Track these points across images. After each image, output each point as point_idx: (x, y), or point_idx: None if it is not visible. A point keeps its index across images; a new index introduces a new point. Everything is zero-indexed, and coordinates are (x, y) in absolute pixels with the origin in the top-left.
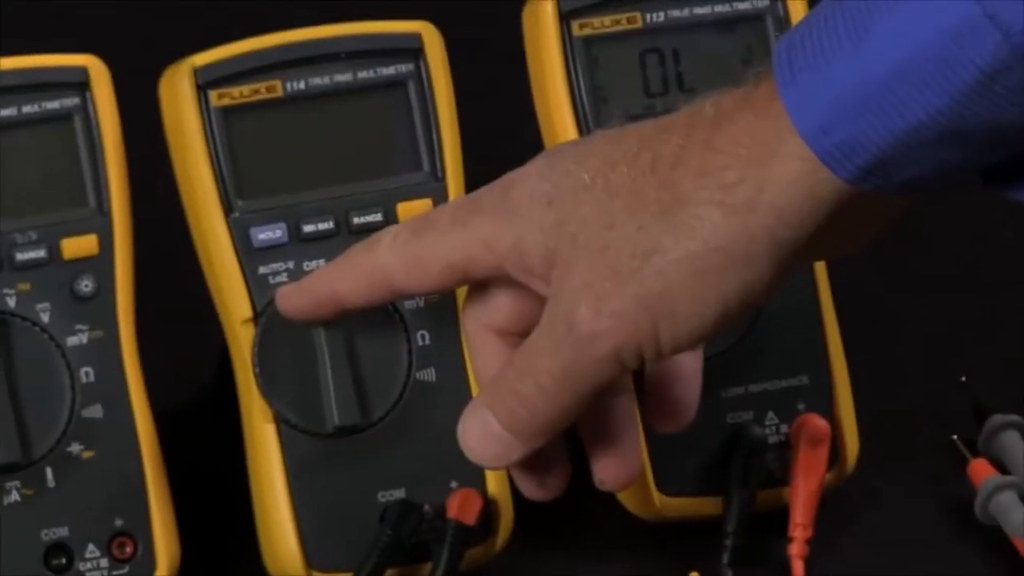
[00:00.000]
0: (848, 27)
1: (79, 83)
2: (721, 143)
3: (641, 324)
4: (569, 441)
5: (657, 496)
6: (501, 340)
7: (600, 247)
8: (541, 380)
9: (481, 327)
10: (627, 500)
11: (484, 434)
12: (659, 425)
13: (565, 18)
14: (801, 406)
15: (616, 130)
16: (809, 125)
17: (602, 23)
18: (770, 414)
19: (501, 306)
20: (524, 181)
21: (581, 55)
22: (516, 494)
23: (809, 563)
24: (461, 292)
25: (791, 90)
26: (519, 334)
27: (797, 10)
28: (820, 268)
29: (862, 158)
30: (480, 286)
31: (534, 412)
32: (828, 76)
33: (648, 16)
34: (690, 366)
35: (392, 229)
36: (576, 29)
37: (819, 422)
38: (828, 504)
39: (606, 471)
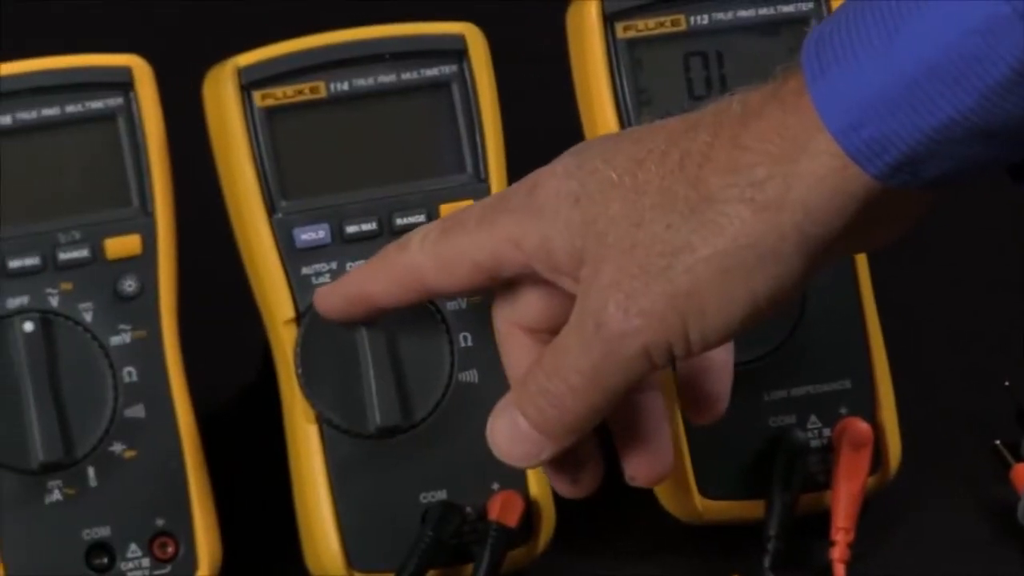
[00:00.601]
0: (878, 25)
1: (123, 83)
2: (749, 140)
3: (670, 322)
4: (604, 439)
5: (699, 499)
6: (531, 338)
7: (628, 245)
8: (570, 379)
9: (511, 325)
10: (669, 503)
11: (513, 433)
12: (692, 418)
13: (609, 20)
14: (843, 410)
15: (643, 127)
16: (838, 122)
17: (646, 25)
18: (812, 418)
19: (530, 304)
20: (550, 179)
21: (625, 57)
22: (558, 496)
23: (851, 567)
24: None
25: (820, 86)
26: (549, 332)
27: None
28: (863, 272)
29: (892, 155)
30: (509, 285)
31: (563, 411)
32: (858, 73)
33: (692, 18)
34: (721, 359)
35: (422, 229)
36: (620, 31)
37: (861, 426)
38: (870, 508)
39: (637, 468)
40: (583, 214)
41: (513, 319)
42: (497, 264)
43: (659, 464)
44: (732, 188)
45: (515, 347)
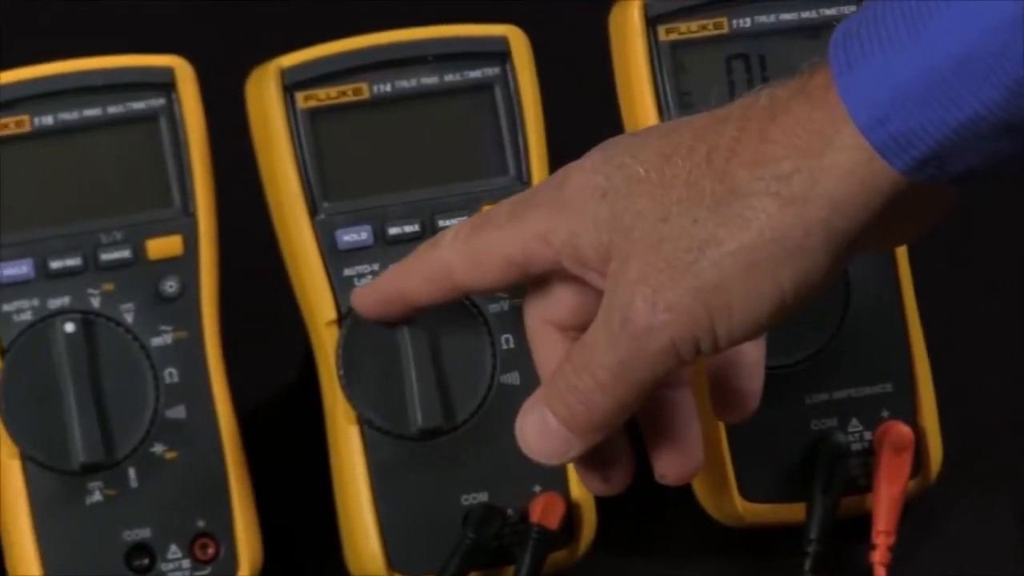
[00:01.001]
0: (905, 20)
1: (165, 84)
2: (776, 134)
3: (697, 317)
4: (637, 439)
5: (740, 502)
6: (561, 335)
7: (655, 240)
8: (598, 375)
9: (542, 323)
10: (709, 506)
11: (542, 430)
12: (722, 415)
13: (652, 23)
14: (885, 413)
15: (671, 122)
16: (865, 116)
17: (689, 28)
18: (854, 421)
19: (560, 301)
20: (578, 174)
21: (667, 60)
22: (599, 498)
23: (892, 570)
24: None
25: (847, 81)
26: (578, 329)
27: None
28: (904, 275)
29: (918, 150)
30: (540, 282)
31: (591, 407)
32: (884, 68)
33: (735, 22)
34: (752, 355)
35: (455, 227)
36: (663, 34)
37: (903, 429)
38: (911, 511)
39: (667, 466)
40: (610, 209)
41: (544, 316)
42: (526, 260)
43: (689, 462)
44: (758, 182)
45: (546, 344)
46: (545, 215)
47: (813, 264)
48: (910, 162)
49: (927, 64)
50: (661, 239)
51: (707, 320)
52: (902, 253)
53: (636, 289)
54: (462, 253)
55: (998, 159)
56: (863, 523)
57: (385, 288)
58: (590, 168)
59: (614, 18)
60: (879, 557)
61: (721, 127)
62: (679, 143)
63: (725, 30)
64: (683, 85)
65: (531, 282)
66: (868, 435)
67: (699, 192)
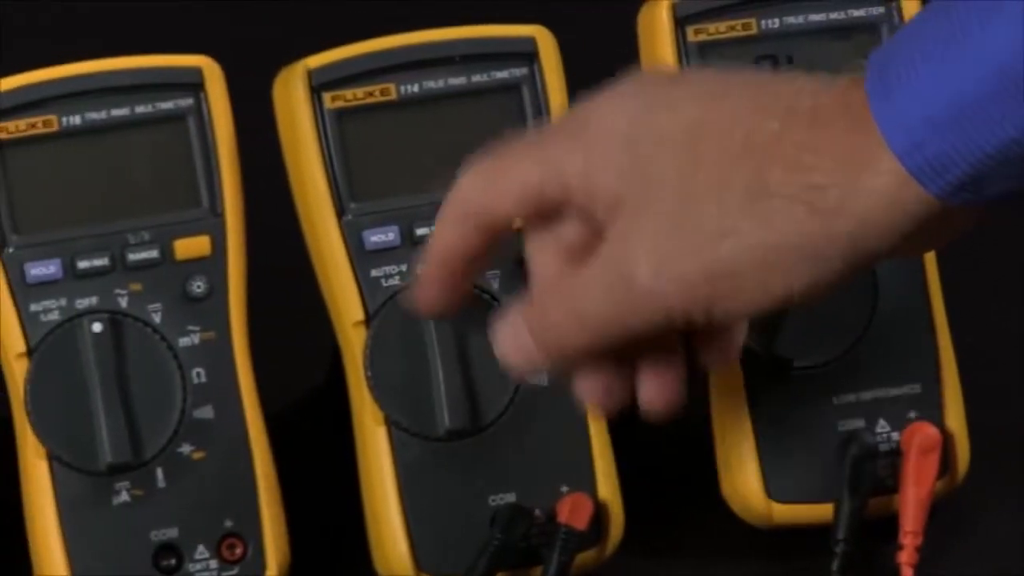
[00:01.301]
0: (939, 47)
1: (193, 84)
2: (815, 144)
3: (699, 297)
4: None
5: (768, 503)
6: (561, 256)
7: (675, 211)
8: (585, 320)
9: (544, 244)
10: (737, 506)
11: (516, 343)
12: (707, 362)
13: (680, 23)
14: (912, 414)
15: (706, 81)
16: (901, 141)
17: (717, 29)
18: (881, 422)
19: (565, 231)
20: (608, 115)
21: (696, 60)
22: (627, 499)
23: (919, 571)
24: None
25: (883, 106)
26: (577, 257)
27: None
28: (932, 276)
29: (954, 175)
30: (549, 211)
31: (566, 344)
32: (920, 94)
33: (763, 22)
34: None
35: (472, 162)
36: (691, 34)
37: (930, 430)
38: (938, 512)
39: (707, 355)
40: (631, 160)
41: (548, 239)
42: (541, 188)
43: (729, 353)
44: (792, 186)
45: (543, 258)
46: (565, 148)
47: (829, 271)
48: (946, 187)
49: (961, 88)
50: (681, 213)
51: (708, 301)
52: (930, 254)
53: (645, 252)
54: (482, 178)
55: None
56: (890, 524)
57: (433, 258)
58: (618, 109)
59: (643, 18)
60: (906, 558)
61: (761, 118)
62: (715, 120)
63: (753, 31)
64: None
65: (541, 212)
66: (896, 436)
67: (729, 179)
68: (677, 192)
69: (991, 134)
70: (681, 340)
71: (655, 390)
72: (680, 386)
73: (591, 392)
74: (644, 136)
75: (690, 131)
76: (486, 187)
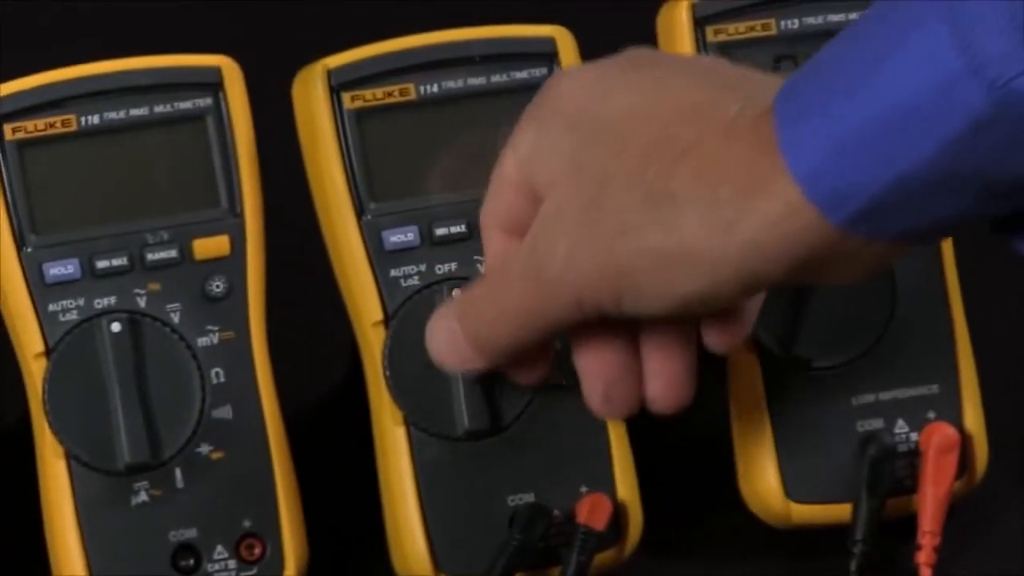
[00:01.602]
0: (842, 75)
1: (212, 83)
2: (725, 156)
3: (603, 288)
4: (691, 452)
5: (786, 503)
6: (506, 237)
7: (591, 199)
8: (506, 311)
9: (491, 223)
10: (756, 506)
11: (449, 339)
12: (710, 344)
13: (700, 23)
14: (931, 414)
15: (665, 71)
16: (802, 167)
17: (736, 29)
18: (900, 422)
19: (509, 204)
20: (562, 95)
21: None
22: (646, 499)
23: (937, 571)
24: None
25: (788, 131)
26: (519, 235)
27: None
28: (951, 277)
29: (853, 204)
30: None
31: (494, 336)
32: (822, 122)
33: (783, 23)
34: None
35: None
36: (711, 35)
37: (949, 431)
38: (956, 512)
39: (712, 336)
40: (571, 144)
41: (492, 216)
42: (502, 165)
43: (738, 334)
44: (694, 196)
45: (491, 245)
46: (522, 126)
47: (721, 288)
48: (846, 216)
49: (862, 118)
50: (597, 202)
51: (612, 294)
52: (948, 254)
53: (560, 240)
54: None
55: (938, 219)
56: (909, 524)
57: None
58: (571, 90)
59: (662, 19)
60: (924, 558)
61: (689, 120)
62: (647, 115)
63: (773, 31)
64: None
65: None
66: (914, 436)
67: (642, 175)
68: (597, 181)
69: (888, 165)
70: (689, 333)
71: (661, 386)
72: (688, 381)
73: (594, 392)
74: (585, 121)
75: (623, 121)
76: (490, 195)
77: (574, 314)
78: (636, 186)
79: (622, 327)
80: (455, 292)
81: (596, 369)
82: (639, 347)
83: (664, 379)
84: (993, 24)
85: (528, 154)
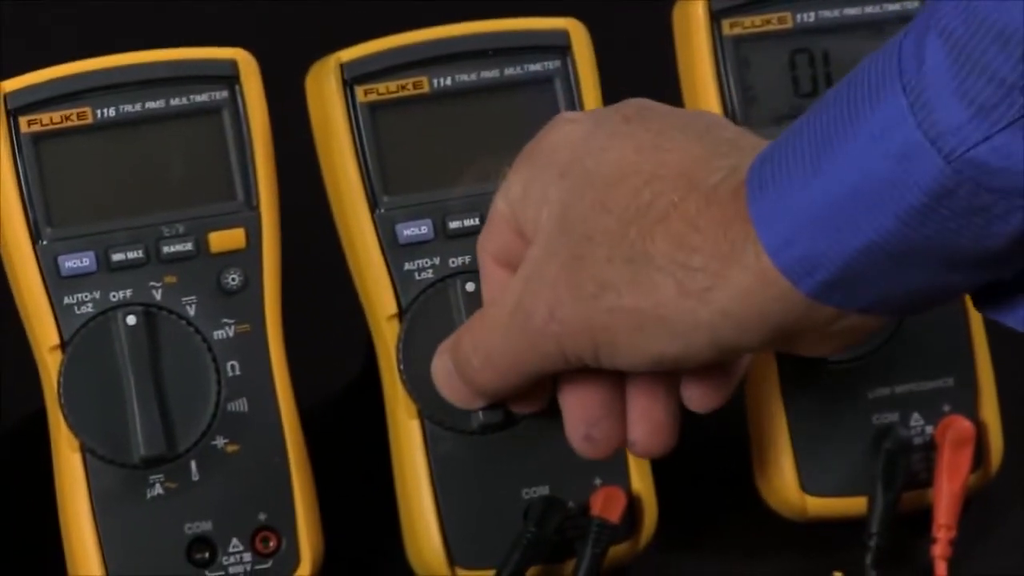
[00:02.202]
0: (809, 146)
1: (228, 76)
2: (703, 223)
3: (583, 342)
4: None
5: (802, 496)
6: (501, 268)
7: (575, 254)
8: (493, 359)
9: (486, 254)
10: (772, 500)
11: (447, 378)
12: (689, 397)
13: (716, 17)
14: (946, 408)
15: (660, 127)
16: (772, 239)
17: (752, 23)
18: (915, 415)
19: (500, 236)
20: (556, 144)
21: (731, 54)
22: (660, 492)
23: (952, 564)
24: None
25: (758, 203)
26: (511, 267)
27: None
28: None
29: (821, 275)
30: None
31: (484, 380)
32: (789, 194)
33: (799, 16)
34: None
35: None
36: (727, 28)
37: (964, 424)
38: (972, 505)
39: (692, 396)
40: (559, 195)
41: (486, 248)
42: (500, 202)
43: (718, 396)
44: (671, 262)
45: (487, 277)
46: (515, 169)
47: (696, 352)
48: (815, 286)
49: (825, 190)
50: (580, 257)
51: (591, 348)
52: None
53: (544, 291)
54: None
55: (907, 291)
56: (924, 517)
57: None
58: (566, 140)
59: (678, 12)
60: (940, 551)
61: (674, 184)
62: (636, 173)
63: (789, 25)
64: (747, 80)
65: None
66: (929, 429)
67: (624, 234)
68: (581, 237)
69: (852, 236)
70: (674, 381)
71: (644, 432)
72: (671, 428)
73: (575, 432)
74: (576, 171)
75: (612, 177)
76: (486, 229)
77: (558, 363)
78: (617, 245)
79: (607, 371)
80: (468, 285)
81: (578, 409)
82: (624, 390)
83: (647, 425)
84: (947, 97)
85: (519, 197)
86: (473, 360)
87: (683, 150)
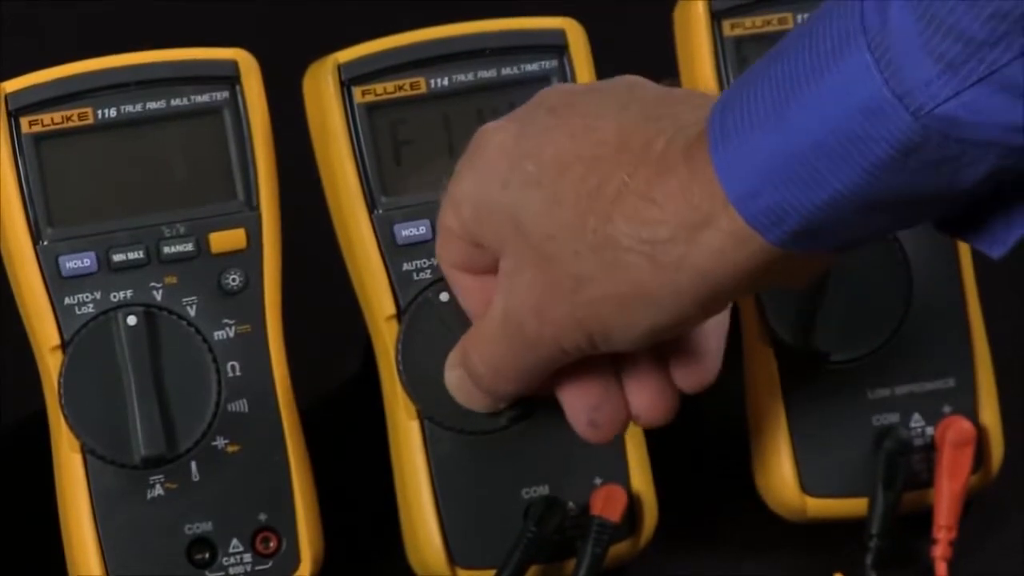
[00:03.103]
0: (772, 96)
1: (229, 77)
2: (659, 195)
3: (577, 336)
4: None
5: (802, 497)
6: (468, 276)
7: (544, 256)
8: (496, 364)
9: (448, 266)
10: (772, 500)
11: (462, 386)
12: (680, 381)
13: (716, 17)
14: (947, 408)
15: (592, 107)
16: (737, 190)
17: (753, 23)
18: (916, 416)
19: (460, 250)
20: (492, 151)
21: (732, 55)
22: (660, 491)
23: (953, 565)
24: None
25: (721, 154)
26: (479, 273)
27: None
28: (967, 271)
29: (789, 225)
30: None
31: (494, 385)
32: (753, 143)
33: (799, 16)
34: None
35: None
36: (727, 29)
37: (964, 424)
38: (972, 506)
39: (682, 377)
40: (510, 200)
41: (449, 260)
42: (449, 219)
43: (704, 373)
44: (637, 241)
45: (458, 283)
46: (460, 183)
47: (683, 314)
48: (782, 236)
49: (789, 141)
50: (548, 258)
51: (586, 336)
52: (964, 249)
53: (527, 299)
54: (439, 237)
55: (875, 230)
56: (924, 518)
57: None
58: (501, 144)
59: (679, 13)
60: (940, 552)
61: (617, 160)
62: (577, 159)
63: (790, 25)
64: None
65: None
66: (930, 430)
67: (582, 225)
68: (543, 238)
69: (819, 188)
70: (661, 351)
71: (645, 401)
72: (672, 393)
73: (579, 420)
74: (516, 176)
75: (553, 171)
76: (441, 244)
77: (562, 357)
78: (580, 238)
79: (598, 355)
80: (443, 295)
81: (577, 398)
82: (618, 368)
83: (648, 395)
84: (913, 54)
85: (470, 216)
86: (481, 370)
87: (616, 124)
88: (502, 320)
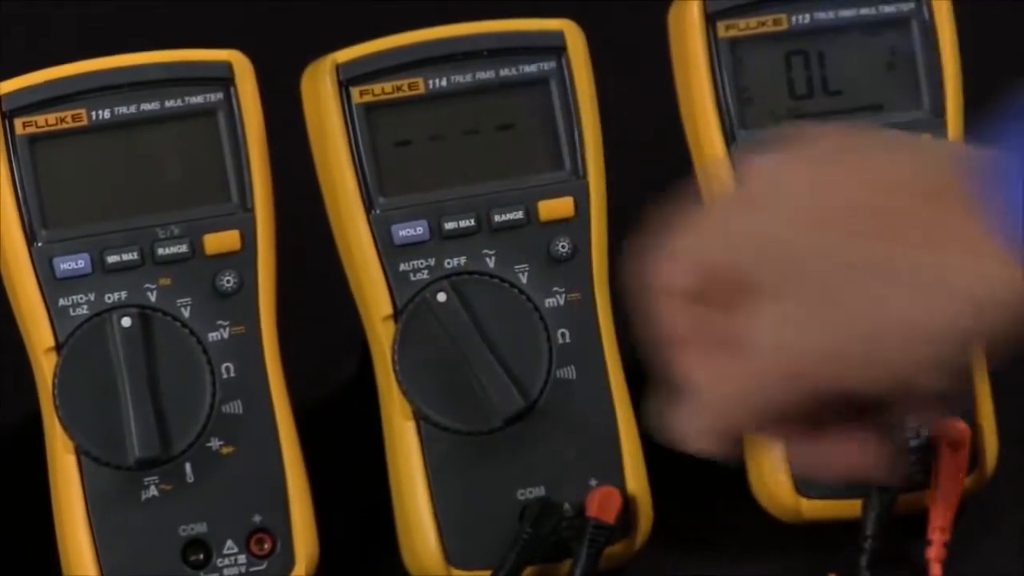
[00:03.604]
0: None
1: (223, 78)
2: (943, 225)
3: (864, 368)
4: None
5: (796, 498)
6: (696, 306)
7: (816, 300)
8: (754, 408)
9: (670, 295)
10: (767, 501)
11: (695, 430)
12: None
13: (711, 19)
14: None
15: (869, 154)
16: (1010, 228)
17: (748, 25)
18: (911, 417)
19: (692, 278)
20: (778, 194)
21: (726, 56)
22: (655, 493)
23: (947, 566)
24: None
25: (993, 194)
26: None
27: (942, 12)
28: None
29: None
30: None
31: (741, 426)
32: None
33: (794, 18)
34: None
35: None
36: (722, 30)
37: (959, 426)
38: (967, 508)
39: None
40: (788, 245)
41: (675, 288)
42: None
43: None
44: (923, 266)
45: (675, 313)
46: (729, 215)
47: (950, 353)
48: None
49: None
50: (821, 301)
51: (869, 372)
52: None
53: (808, 337)
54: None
55: None
56: (919, 519)
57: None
58: (788, 187)
59: (673, 14)
60: (935, 553)
61: (896, 195)
62: (859, 192)
63: (784, 26)
64: (742, 81)
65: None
66: (925, 432)
67: (871, 254)
68: (821, 283)
69: None
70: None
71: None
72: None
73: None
74: (804, 221)
75: (848, 214)
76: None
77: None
78: (869, 269)
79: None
80: (440, 296)
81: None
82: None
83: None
84: None
85: (737, 244)
86: (737, 411)
87: (890, 161)
88: (768, 357)
